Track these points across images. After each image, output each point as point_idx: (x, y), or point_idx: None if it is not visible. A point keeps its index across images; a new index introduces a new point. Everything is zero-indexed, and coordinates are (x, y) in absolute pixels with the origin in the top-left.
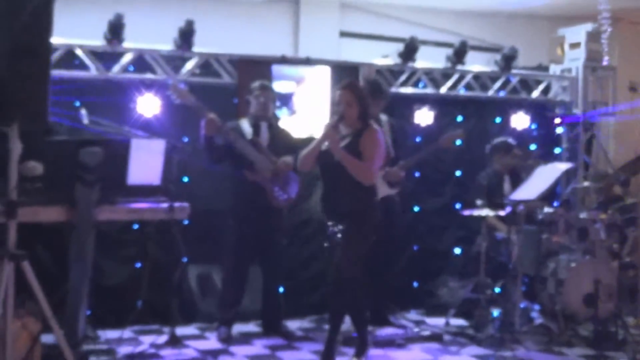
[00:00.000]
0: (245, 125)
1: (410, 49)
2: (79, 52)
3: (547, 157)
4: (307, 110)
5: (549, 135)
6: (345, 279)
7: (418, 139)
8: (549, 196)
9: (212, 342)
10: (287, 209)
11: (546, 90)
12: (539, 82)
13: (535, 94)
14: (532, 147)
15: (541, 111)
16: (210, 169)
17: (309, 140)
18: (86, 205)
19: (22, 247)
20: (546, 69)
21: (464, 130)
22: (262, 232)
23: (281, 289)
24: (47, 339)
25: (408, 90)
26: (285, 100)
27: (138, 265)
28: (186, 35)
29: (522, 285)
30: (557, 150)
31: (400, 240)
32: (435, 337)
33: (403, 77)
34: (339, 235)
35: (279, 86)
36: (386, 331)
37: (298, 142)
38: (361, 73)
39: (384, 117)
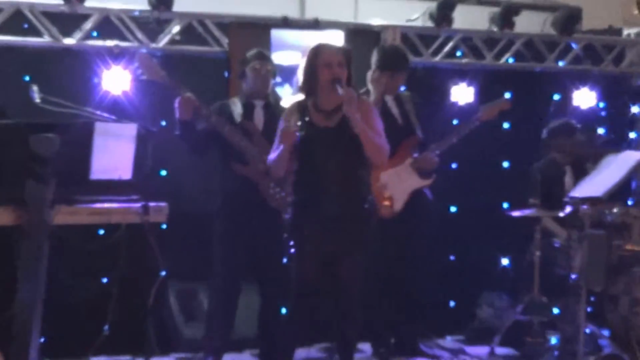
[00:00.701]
0: (237, 105)
1: (444, 9)
2: (28, 13)
3: (619, 143)
4: None
5: (622, 116)
6: (354, 299)
7: (455, 121)
8: (620, 193)
9: None
10: (287, 210)
11: (618, 59)
12: (609, 49)
13: (605, 64)
14: (600, 131)
15: (612, 85)
16: (192, 160)
17: None
18: (39, 206)
19: None
20: (618, 32)
21: (509, 100)
22: (257, 239)
23: (283, 310)
24: None
25: (442, 60)
26: (288, 74)
27: (105, 280)
28: None
29: (587, 305)
30: (632, 135)
31: (433, 248)
32: None
33: (436, 45)
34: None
35: (280, 57)
36: None
37: None
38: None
39: (405, 93)
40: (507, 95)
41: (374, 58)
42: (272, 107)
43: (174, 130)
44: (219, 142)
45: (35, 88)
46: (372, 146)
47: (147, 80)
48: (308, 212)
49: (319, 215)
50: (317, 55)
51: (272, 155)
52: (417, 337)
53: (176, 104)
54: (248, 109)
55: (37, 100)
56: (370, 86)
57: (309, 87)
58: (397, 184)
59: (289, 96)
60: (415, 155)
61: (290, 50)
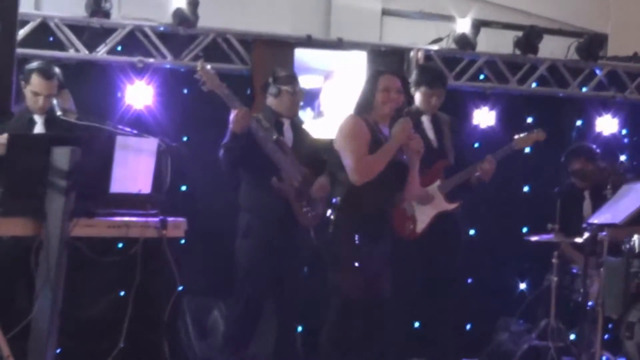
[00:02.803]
0: (264, 122)
1: (468, 32)
2: (54, 26)
3: None
4: (336, 111)
5: None
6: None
7: (476, 144)
8: None
9: None
10: (314, 228)
11: None
12: (633, 77)
13: (628, 91)
14: (622, 157)
15: (635, 113)
16: (213, 176)
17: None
18: (58, 218)
19: None
20: None
21: (544, 131)
22: (283, 257)
23: (299, 329)
24: None
25: (465, 83)
26: (310, 98)
27: (121, 294)
28: (189, 8)
29: (604, 332)
30: None
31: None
32: None
33: (459, 68)
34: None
35: (302, 80)
36: None
37: (321, 145)
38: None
39: (444, 116)
40: (529, 119)
41: (413, 75)
42: (298, 125)
43: (212, 146)
44: (256, 158)
45: (57, 101)
46: (413, 181)
47: (171, 96)
48: (369, 231)
49: (376, 234)
50: (381, 79)
51: (375, 158)
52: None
53: (232, 117)
54: (278, 126)
55: (59, 112)
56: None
57: (365, 105)
58: (422, 206)
59: (310, 120)
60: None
61: (313, 74)
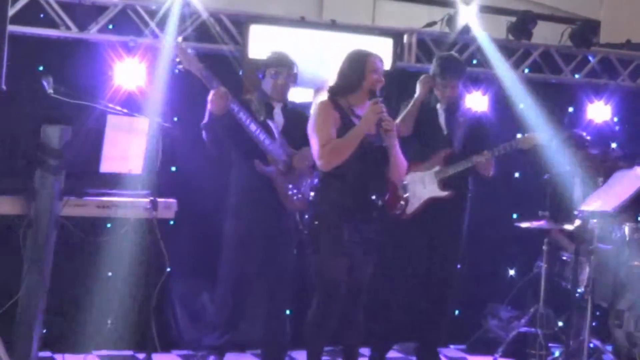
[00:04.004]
0: (256, 104)
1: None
2: (45, 4)
3: (632, 158)
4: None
5: (636, 131)
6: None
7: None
8: (631, 208)
9: None
10: (300, 213)
11: (635, 74)
12: (626, 64)
13: (621, 78)
14: (613, 145)
15: (627, 100)
16: (202, 157)
17: None
18: (47, 197)
19: None
20: (636, 46)
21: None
22: (270, 240)
23: (288, 312)
24: None
25: None
26: None
27: (109, 274)
28: None
29: (593, 320)
30: None
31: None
32: None
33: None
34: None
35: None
36: None
37: None
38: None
39: (468, 109)
40: (522, 105)
41: (433, 64)
42: (290, 109)
43: (199, 124)
44: (241, 139)
45: (48, 78)
46: (399, 161)
47: (164, 75)
48: (348, 215)
49: (356, 219)
50: (366, 60)
51: (342, 141)
52: (437, 344)
53: (210, 97)
54: (268, 109)
55: (50, 90)
56: (418, 86)
57: (350, 87)
58: (417, 189)
59: None
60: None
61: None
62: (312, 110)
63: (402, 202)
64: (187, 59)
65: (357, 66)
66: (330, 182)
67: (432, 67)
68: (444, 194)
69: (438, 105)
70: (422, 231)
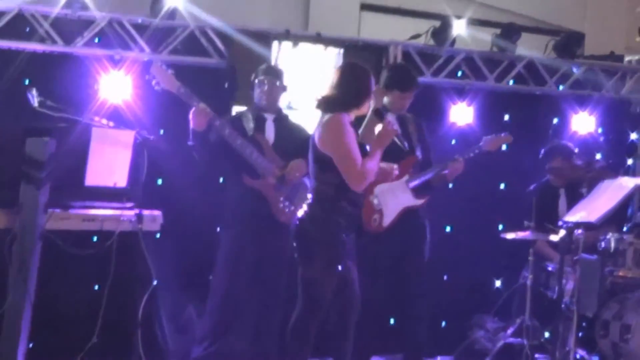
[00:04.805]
0: (248, 117)
1: (446, 28)
2: (30, 17)
3: (616, 169)
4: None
5: (620, 142)
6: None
7: (453, 142)
8: (616, 219)
9: None
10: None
11: (619, 86)
12: (609, 75)
13: (605, 89)
14: (598, 156)
15: (611, 111)
16: (189, 170)
17: None
18: (32, 210)
19: None
20: (620, 58)
21: (510, 134)
22: (264, 253)
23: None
24: None
25: (443, 79)
26: None
27: (96, 287)
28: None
29: (578, 330)
30: (629, 162)
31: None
32: None
33: (437, 64)
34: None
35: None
36: None
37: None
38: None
39: (408, 114)
40: (506, 116)
41: (383, 76)
42: (283, 121)
43: (185, 140)
44: (230, 154)
45: (34, 92)
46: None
47: (149, 89)
48: (351, 228)
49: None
50: (369, 77)
51: (372, 162)
52: (421, 355)
53: (190, 115)
54: (259, 122)
55: (35, 104)
56: (372, 101)
57: (358, 102)
58: (390, 200)
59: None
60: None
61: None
62: (327, 125)
63: (376, 216)
64: (165, 78)
65: (364, 84)
66: (332, 196)
67: (387, 80)
68: (420, 202)
69: (389, 116)
70: (394, 242)
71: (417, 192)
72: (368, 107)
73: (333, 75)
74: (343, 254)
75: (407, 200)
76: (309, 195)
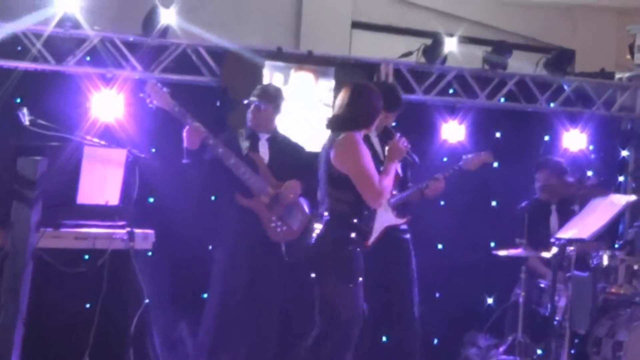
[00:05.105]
0: (243, 137)
1: (438, 46)
2: (22, 36)
3: (607, 186)
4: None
5: (611, 159)
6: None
7: (445, 159)
8: (607, 236)
9: None
10: (287, 244)
11: (609, 103)
12: (600, 92)
13: (596, 107)
14: (589, 173)
15: (602, 128)
16: (180, 188)
17: (317, 155)
18: (24, 228)
19: None
20: (611, 75)
21: (491, 153)
22: (256, 272)
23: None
24: None
25: (434, 97)
26: None
27: (87, 305)
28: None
29: (571, 347)
30: (620, 179)
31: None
32: None
33: (429, 82)
34: None
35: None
36: None
37: (311, 158)
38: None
39: (390, 130)
40: (498, 134)
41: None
42: (279, 141)
43: (178, 158)
44: (224, 173)
45: (25, 111)
46: None
47: (141, 107)
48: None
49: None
50: (381, 99)
51: (388, 179)
52: None
53: (184, 133)
54: (254, 141)
55: (26, 122)
56: None
57: (368, 122)
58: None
59: None
60: (394, 192)
61: (278, 72)
62: (342, 144)
63: None
64: (159, 96)
65: (374, 104)
66: (351, 212)
67: None
68: (402, 220)
69: (371, 134)
70: (377, 259)
71: (398, 210)
72: (374, 127)
73: (343, 94)
74: (360, 269)
75: (389, 219)
76: (326, 213)
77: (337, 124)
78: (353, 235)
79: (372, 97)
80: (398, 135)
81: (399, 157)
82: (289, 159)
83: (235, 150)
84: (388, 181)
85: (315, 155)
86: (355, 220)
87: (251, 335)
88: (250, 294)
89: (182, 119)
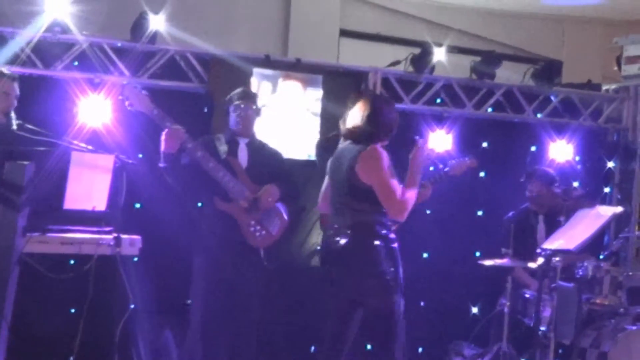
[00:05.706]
0: (221, 141)
1: (426, 55)
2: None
3: (594, 197)
4: (283, 125)
5: (598, 170)
6: None
7: (432, 169)
8: (593, 247)
9: None
10: (265, 249)
11: (596, 114)
12: (587, 104)
13: (582, 118)
14: (575, 184)
15: (588, 140)
16: (166, 194)
17: (305, 163)
18: (10, 233)
19: None
20: (597, 87)
21: (475, 159)
22: (236, 277)
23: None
24: None
25: (422, 106)
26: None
27: (72, 311)
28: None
29: (555, 357)
30: (606, 190)
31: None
32: None
33: (416, 91)
34: None
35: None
36: None
37: (289, 164)
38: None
39: None
40: (485, 144)
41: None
42: (257, 146)
43: (157, 162)
44: (202, 178)
45: (12, 114)
46: None
47: (128, 112)
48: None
49: None
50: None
51: (412, 190)
52: None
53: (163, 136)
54: (232, 145)
55: (14, 127)
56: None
57: (387, 135)
58: None
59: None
60: None
61: (266, 81)
62: (367, 156)
63: None
64: (138, 99)
65: (393, 118)
66: (373, 223)
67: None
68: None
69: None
70: None
71: None
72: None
73: (362, 106)
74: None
75: None
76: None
77: (361, 136)
78: (379, 245)
79: (392, 110)
80: (421, 140)
81: (423, 166)
82: (268, 164)
83: (214, 154)
84: (412, 192)
85: (292, 163)
86: (383, 232)
87: (231, 341)
88: (230, 299)
89: (161, 122)
